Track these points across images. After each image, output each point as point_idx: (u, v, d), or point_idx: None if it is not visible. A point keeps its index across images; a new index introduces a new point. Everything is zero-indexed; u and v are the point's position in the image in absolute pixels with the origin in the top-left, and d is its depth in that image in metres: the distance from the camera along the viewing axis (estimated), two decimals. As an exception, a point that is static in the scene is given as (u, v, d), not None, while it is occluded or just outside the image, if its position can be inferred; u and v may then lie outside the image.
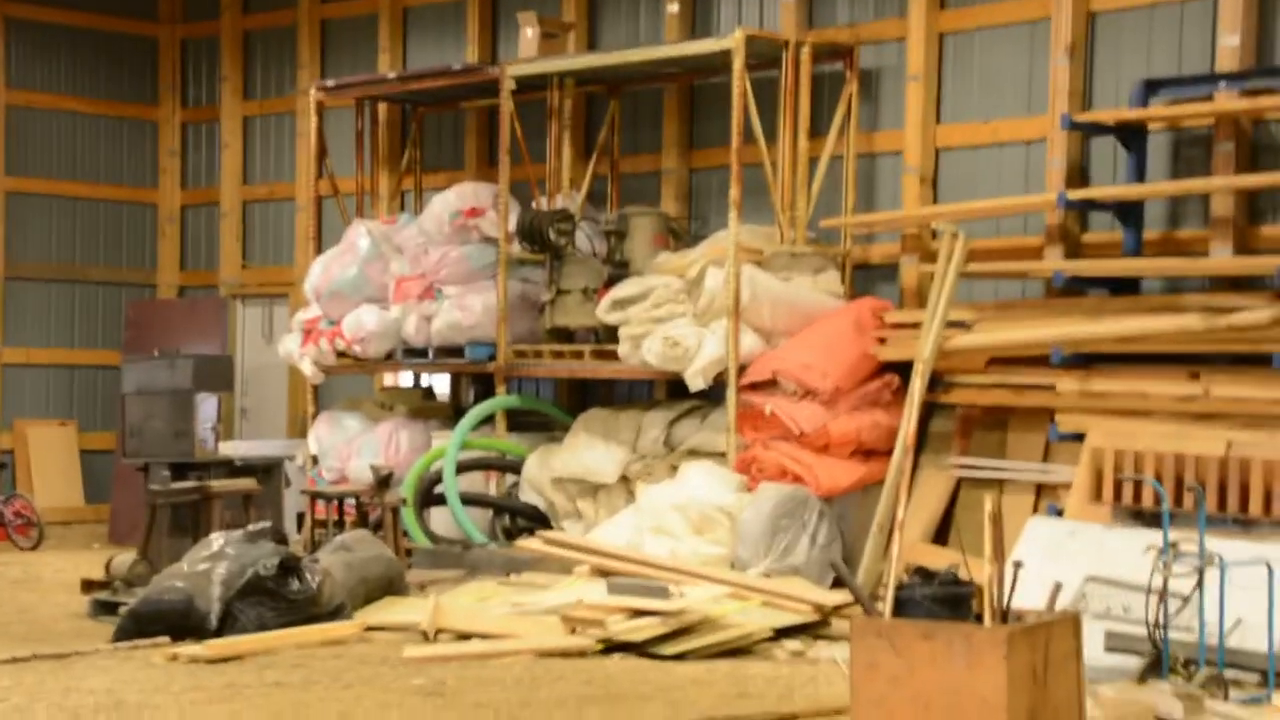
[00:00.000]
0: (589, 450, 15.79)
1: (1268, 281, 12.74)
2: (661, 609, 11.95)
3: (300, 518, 15.73)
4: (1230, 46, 13.85)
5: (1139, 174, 14.13)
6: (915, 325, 14.05)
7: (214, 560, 12.19)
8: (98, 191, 22.62)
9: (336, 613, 12.51)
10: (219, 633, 11.59)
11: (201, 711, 9.51)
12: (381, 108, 20.19)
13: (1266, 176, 13.43)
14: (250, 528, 12.90)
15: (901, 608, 7.49)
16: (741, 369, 14.45)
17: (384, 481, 15.50)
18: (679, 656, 11.37)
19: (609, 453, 15.63)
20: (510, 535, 15.85)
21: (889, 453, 13.76)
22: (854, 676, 7.33)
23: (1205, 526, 9.96)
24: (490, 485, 16.89)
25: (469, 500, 16.31)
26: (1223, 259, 13.44)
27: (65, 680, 10.29)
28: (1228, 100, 13.61)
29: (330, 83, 20.00)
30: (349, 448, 17.40)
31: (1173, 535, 9.72)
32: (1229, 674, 9.51)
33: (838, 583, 12.68)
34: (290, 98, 21.51)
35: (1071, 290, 14.30)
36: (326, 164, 19.88)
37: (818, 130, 15.86)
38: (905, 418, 13.63)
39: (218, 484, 14.43)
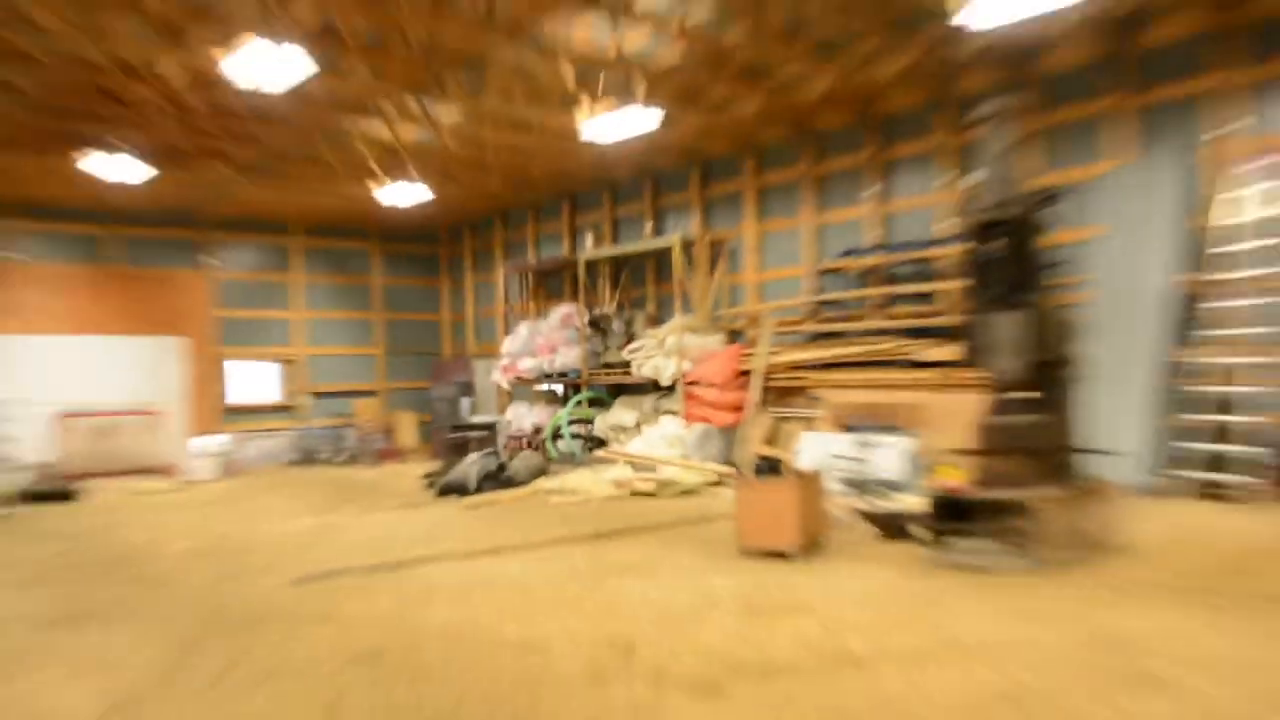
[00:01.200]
0: (622, 413, 18.47)
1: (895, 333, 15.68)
2: (655, 477, 15.00)
3: (505, 447, 17.96)
4: (874, 237, 16.66)
5: (840, 288, 16.99)
6: (754, 354, 16.69)
7: (471, 465, 15.51)
8: (421, 316, 27.25)
9: (522, 483, 15.58)
10: (476, 493, 14.87)
11: (471, 522, 12.60)
12: (530, 275, 23.17)
13: (889, 290, 16.26)
14: (485, 451, 16.21)
15: (756, 472, 10.91)
16: (684, 377, 17.29)
17: (537, 431, 18.92)
18: (664, 497, 14.49)
19: (630, 414, 18.30)
20: (590, 449, 18.07)
21: (745, 407, 16.51)
22: (737, 499, 9.88)
23: (872, 430, 13.77)
24: (582, 429, 19.16)
25: (573, 435, 18.84)
26: (872, 324, 16.25)
27: (419, 514, 13.55)
28: (874, 258, 16.56)
29: (509, 265, 23.41)
30: (523, 415, 20.37)
31: (859, 436, 13.58)
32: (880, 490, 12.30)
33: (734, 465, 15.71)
34: (492, 272, 24.70)
35: (816, 339, 17.05)
36: (509, 299, 23.36)
37: (712, 273, 18.70)
38: (752, 393, 16.40)
39: (471, 433, 17.25)
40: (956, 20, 11.63)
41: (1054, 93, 14.79)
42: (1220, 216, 12.76)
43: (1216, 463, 12.20)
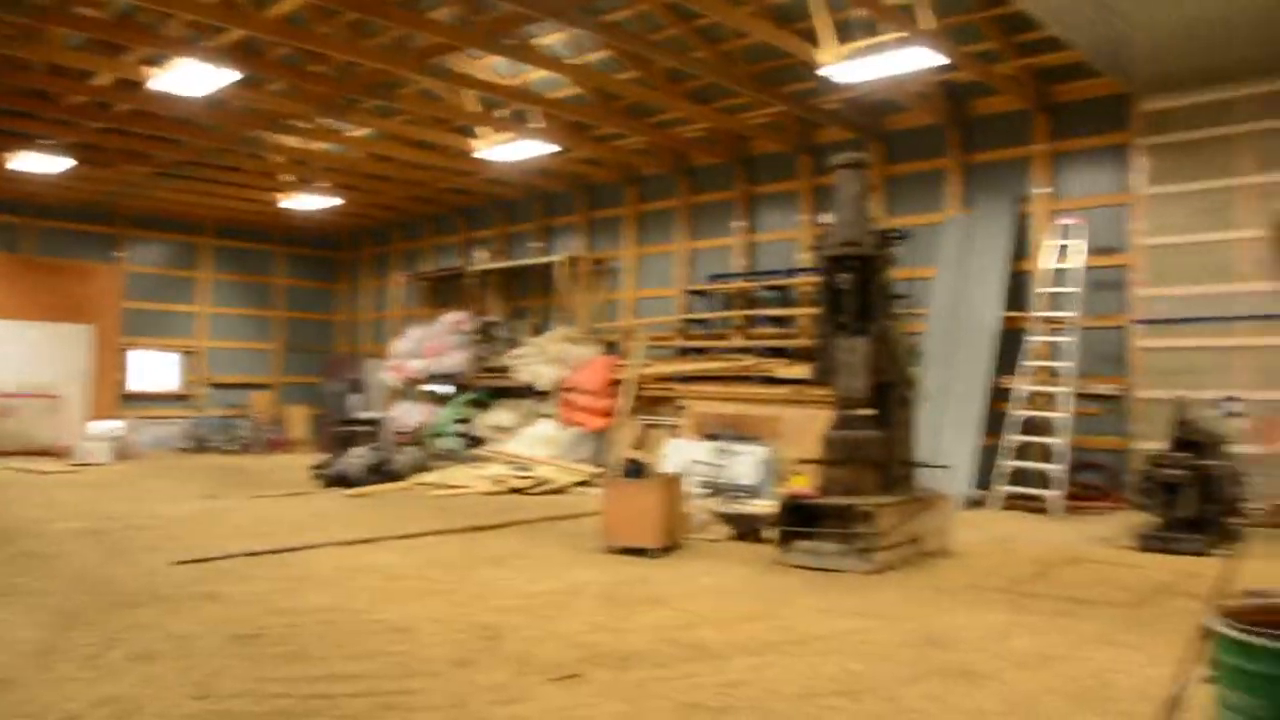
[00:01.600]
0: (502, 414, 18.10)
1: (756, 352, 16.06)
2: (529, 475, 14.80)
3: (391, 442, 16.42)
4: (740, 264, 16.85)
5: (708, 308, 17.25)
6: (627, 365, 16.65)
7: (357, 458, 14.99)
8: (318, 316, 26.44)
9: (404, 477, 15.07)
10: (360, 485, 14.37)
11: (354, 511, 12.12)
12: (425, 283, 22.70)
13: (751, 312, 16.64)
14: (371, 445, 15.53)
15: (623, 474, 10.93)
16: (561, 383, 17.09)
17: (421, 428, 18.43)
18: (537, 494, 14.16)
19: (509, 415, 17.94)
20: (470, 447, 17.73)
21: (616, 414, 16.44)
22: (604, 498, 9.66)
23: (731, 439, 13.54)
24: (463, 427, 18.49)
25: (454, 433, 18.32)
26: (734, 342, 16.52)
27: (304, 502, 13.26)
28: (739, 283, 16.74)
29: (406, 273, 23.12)
30: (408, 412, 19.62)
31: (719, 444, 13.29)
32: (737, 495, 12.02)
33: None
34: (388, 278, 24.37)
35: (684, 353, 17.19)
36: (403, 304, 23.03)
37: (593, 290, 18.84)
38: (623, 401, 16.36)
39: (358, 428, 16.14)
40: (821, 72, 11.86)
41: (900, 148, 15.32)
42: (1038, 264, 13.38)
43: (1030, 479, 12.60)
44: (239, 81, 13.26)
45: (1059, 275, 13.11)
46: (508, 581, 8.02)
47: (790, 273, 16.24)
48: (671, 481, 9.81)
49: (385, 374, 21.05)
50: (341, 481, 14.72)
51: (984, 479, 12.72)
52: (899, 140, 15.31)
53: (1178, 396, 10.57)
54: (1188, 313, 12.28)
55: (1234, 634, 3.38)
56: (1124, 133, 13.08)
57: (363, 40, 13.35)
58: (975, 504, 12.50)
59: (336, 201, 20.11)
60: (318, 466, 15.64)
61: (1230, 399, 11.43)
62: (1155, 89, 12.48)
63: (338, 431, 16.55)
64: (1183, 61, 11.59)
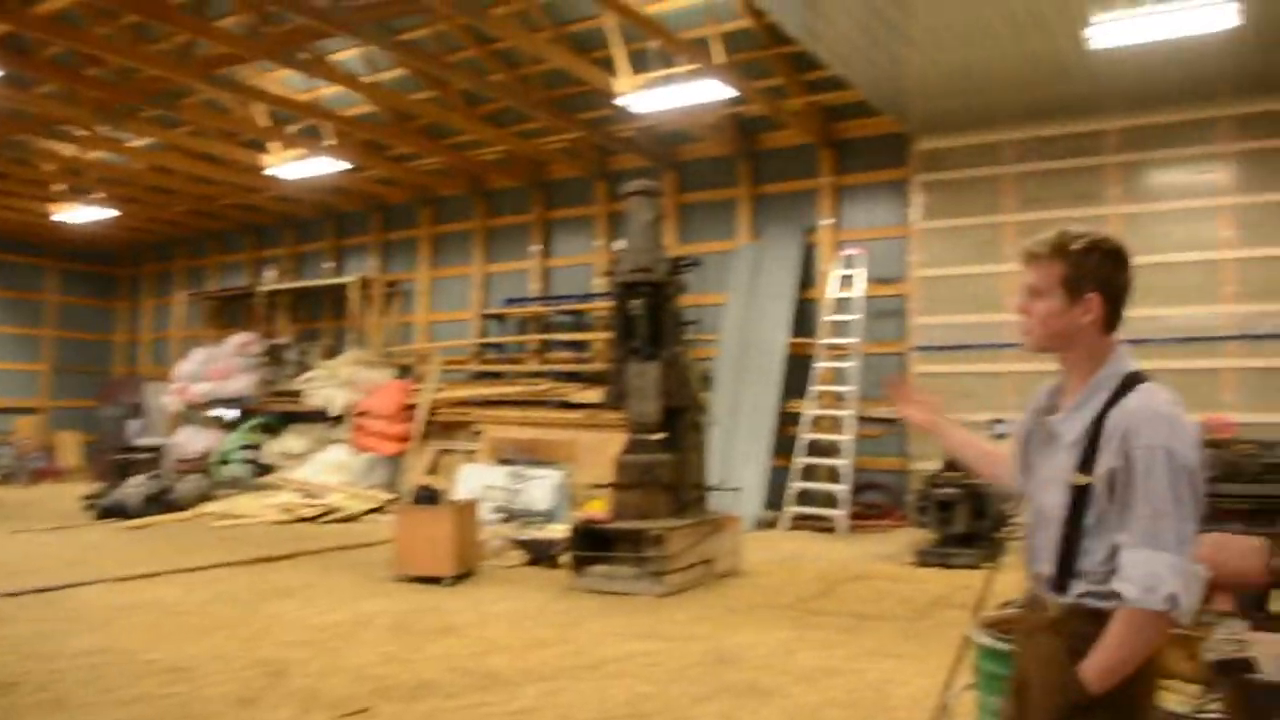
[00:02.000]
0: (292, 440, 17.54)
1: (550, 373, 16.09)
2: (320, 503, 14.36)
3: (172, 470, 16.14)
4: (536, 288, 16.96)
5: (503, 332, 17.24)
6: (422, 389, 16.51)
7: (135, 487, 14.24)
8: (95, 336, 24.70)
9: (187, 507, 14.46)
10: (139, 516, 13.63)
11: (131, 545, 11.48)
12: (211, 302, 21.75)
13: (546, 336, 16.63)
14: (150, 473, 14.75)
15: (416, 501, 10.74)
16: (354, 408, 16.66)
17: (206, 454, 17.63)
18: (327, 522, 13.78)
19: (300, 441, 17.40)
20: (259, 475, 17.06)
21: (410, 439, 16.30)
22: (396, 526, 9.51)
23: (526, 463, 13.49)
24: (251, 454, 17.70)
25: (242, 460, 17.60)
26: (530, 367, 16.58)
27: (76, 536, 12.36)
28: (534, 308, 16.90)
29: (190, 291, 22.11)
30: (192, 438, 18.68)
31: (514, 469, 13.15)
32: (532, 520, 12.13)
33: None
34: (172, 296, 22.99)
35: (479, 378, 17.01)
36: (187, 323, 21.91)
37: (387, 313, 18.53)
38: (417, 425, 16.22)
39: (137, 455, 15.41)
40: (617, 101, 12.05)
41: (693, 177, 15.75)
42: (824, 292, 13.95)
43: (818, 499, 13.04)
44: (2, 80, 12.51)
45: (843, 303, 13.67)
46: (296, 614, 7.76)
47: (586, 297, 16.39)
48: (465, 508, 9.70)
49: (167, 398, 20.07)
50: (118, 513, 13.96)
51: (774, 500, 13.08)
52: (692, 169, 15.71)
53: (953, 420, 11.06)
54: (960, 340, 13.03)
55: (989, 642, 3.64)
56: (903, 169, 13.81)
57: (144, 45, 12.70)
58: (766, 525, 12.83)
59: (113, 214, 19.02)
60: (91, 497, 14.83)
61: (997, 421, 12.09)
62: (930, 129, 13.24)
63: (115, 459, 15.73)
64: (953, 104, 12.34)
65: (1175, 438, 2.25)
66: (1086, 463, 2.34)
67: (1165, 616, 2.21)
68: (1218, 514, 10.55)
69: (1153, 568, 2.20)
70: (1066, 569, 2.37)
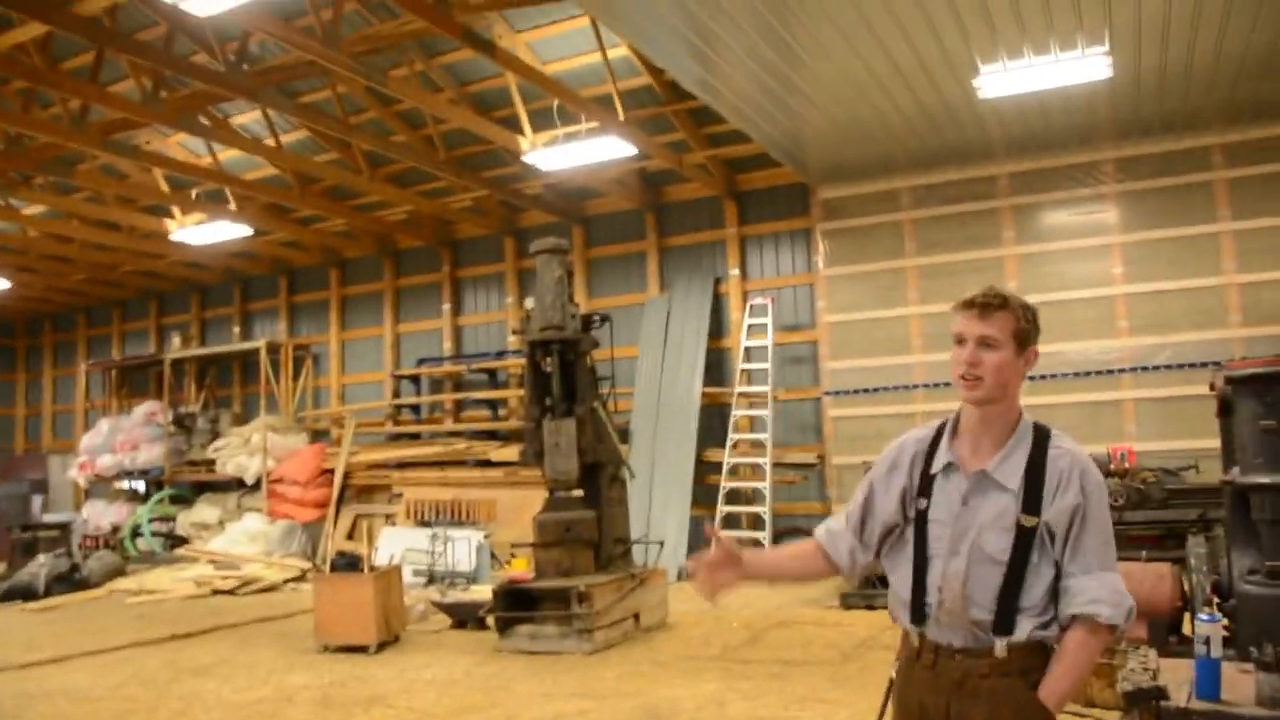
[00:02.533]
0: (205, 509, 17.17)
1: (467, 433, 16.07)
2: (237, 574, 14.03)
3: (80, 546, 15.94)
4: (445, 348, 16.85)
5: (417, 393, 17.02)
6: (337, 454, 16.27)
7: (40, 566, 13.79)
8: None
9: (97, 584, 14.15)
10: (45, 596, 13.30)
11: (37, 628, 11.12)
12: (114, 372, 20.96)
13: (461, 395, 16.58)
14: (56, 551, 14.28)
15: (335, 568, 10.62)
16: (268, 475, 16.46)
17: (115, 529, 17.31)
18: (245, 594, 13.45)
19: (213, 511, 17.06)
20: (172, 547, 16.77)
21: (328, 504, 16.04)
22: (315, 595, 9.38)
23: (445, 524, 13.66)
24: (164, 526, 17.47)
25: (153, 533, 17.27)
26: (446, 426, 16.56)
27: None
28: (447, 366, 16.59)
29: (91, 362, 21.46)
30: (101, 513, 18.34)
31: (435, 530, 12.97)
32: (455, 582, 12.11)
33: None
34: (74, 367, 22.31)
35: (395, 439, 16.93)
36: (90, 395, 21.43)
37: (297, 377, 18.15)
38: (334, 490, 15.96)
39: (41, 533, 14.86)
40: (524, 160, 12.16)
41: (601, 231, 15.89)
42: (736, 340, 14.13)
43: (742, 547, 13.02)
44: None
45: (754, 351, 13.85)
46: (214, 692, 7.62)
47: (499, 355, 16.35)
48: (387, 573, 9.59)
49: (72, 472, 19.47)
50: (23, 594, 13.52)
51: (697, 550, 12.99)
52: (599, 224, 15.85)
53: (865, 462, 11.23)
54: (871, 383, 13.30)
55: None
56: (806, 218, 14.14)
57: (36, 110, 12.40)
58: (690, 575, 12.71)
59: (4, 285, 18.50)
60: (-15, 580, 14.21)
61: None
62: (830, 178, 13.58)
63: (18, 538, 15.12)
64: (850, 154, 12.69)
65: (1099, 475, 2.50)
66: (1032, 505, 2.48)
67: (1114, 630, 2.44)
68: (1127, 540, 10.97)
69: (1115, 587, 2.44)
70: (1011, 608, 2.48)
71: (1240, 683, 3.60)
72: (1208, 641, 3.57)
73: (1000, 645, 2.49)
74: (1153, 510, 11.05)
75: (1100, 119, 11.79)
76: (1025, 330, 2.56)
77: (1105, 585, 2.44)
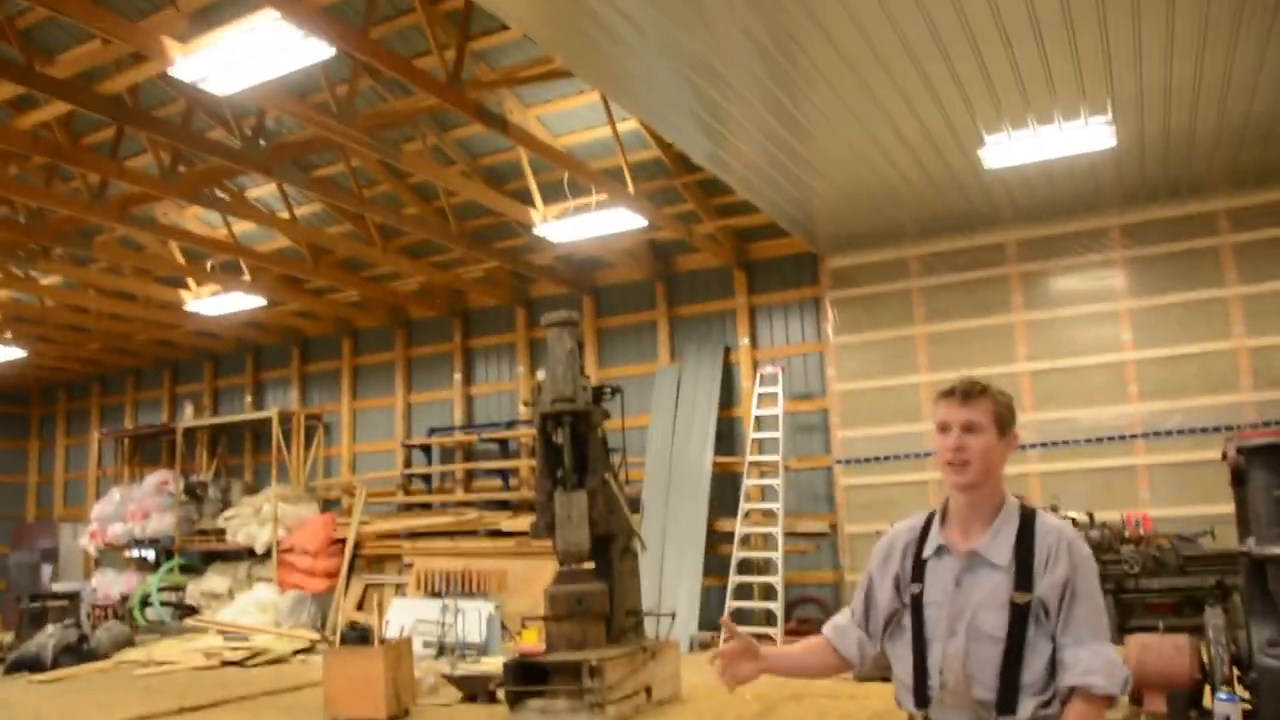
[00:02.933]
0: (215, 579, 16.98)
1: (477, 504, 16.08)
2: (246, 645, 13.87)
3: (89, 616, 15.89)
4: (456, 418, 16.91)
5: (429, 462, 17.03)
6: (347, 523, 16.29)
7: (48, 636, 13.63)
8: (6, 478, 23.59)
9: (106, 655, 13.91)
10: (53, 668, 13.10)
11: (43, 700, 10.97)
12: (127, 440, 20.97)
13: (472, 465, 16.58)
14: (64, 621, 14.33)
15: (345, 640, 10.52)
16: (278, 544, 16.31)
17: (124, 599, 17.16)
18: (254, 665, 13.20)
19: (223, 580, 16.88)
20: (181, 617, 16.61)
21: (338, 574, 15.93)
22: (325, 667, 9.30)
23: (456, 595, 13.53)
24: (173, 596, 17.31)
25: (163, 603, 17.12)
26: (457, 496, 16.51)
27: None
28: (458, 436, 16.71)
29: (104, 430, 21.53)
30: (110, 582, 18.28)
31: (445, 601, 12.97)
32: (466, 654, 12.19)
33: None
34: (86, 435, 22.39)
35: (406, 509, 16.88)
36: (102, 463, 21.59)
37: (309, 446, 18.28)
38: (345, 560, 15.91)
39: (51, 602, 15.17)
40: (535, 231, 12.26)
41: (611, 301, 16.00)
42: (747, 410, 14.13)
43: (753, 617, 13.07)
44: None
45: (765, 420, 13.83)
46: (223, 770, 7.50)
47: (510, 424, 16.34)
48: (397, 645, 9.51)
49: (83, 540, 19.43)
50: (30, 665, 13.32)
51: (709, 621, 13.02)
52: (609, 294, 15.95)
53: (878, 530, 11.10)
54: (882, 451, 13.25)
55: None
56: (815, 287, 14.23)
57: (56, 184, 12.55)
58: (702, 646, 12.71)
59: (22, 354, 18.64)
60: (1, 648, 14.30)
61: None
62: (838, 248, 13.66)
63: (26, 608, 15.23)
64: (858, 224, 12.77)
65: (1086, 549, 2.60)
66: (1025, 581, 2.55)
67: (1112, 700, 2.53)
68: (1145, 609, 10.87)
69: (1108, 657, 2.51)
70: (1012, 686, 2.53)
71: (1260, 763, 3.54)
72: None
73: None
74: (1169, 577, 11.02)
75: (1106, 186, 11.88)
76: (1005, 414, 2.69)
77: (1098, 656, 2.50)
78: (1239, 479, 5.98)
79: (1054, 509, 5.39)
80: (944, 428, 2.70)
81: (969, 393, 2.68)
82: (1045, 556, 2.57)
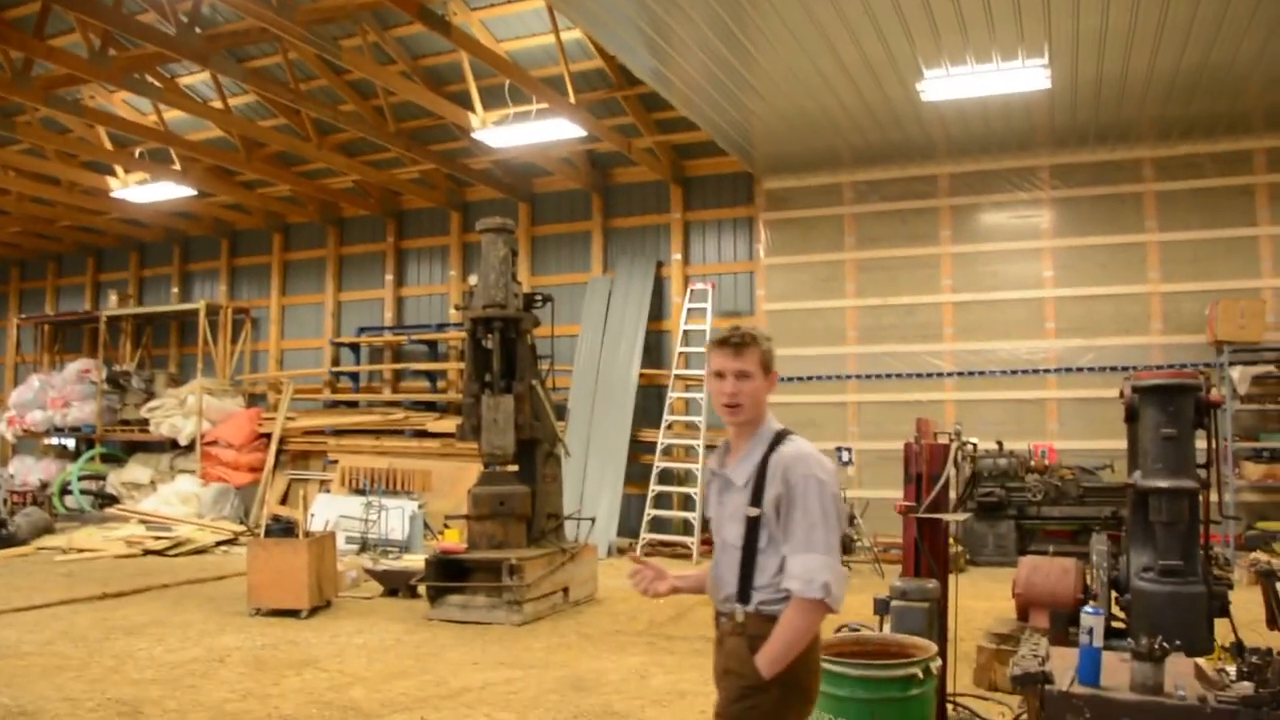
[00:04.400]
0: (138, 470, 17.13)
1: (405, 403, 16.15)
2: (169, 535, 13.99)
3: (6, 502, 15.72)
4: (387, 318, 16.82)
5: (357, 361, 17.05)
6: (273, 418, 16.43)
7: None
8: None
9: (25, 541, 14.05)
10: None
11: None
12: (47, 327, 20.58)
13: (401, 366, 16.45)
14: (-17, 506, 14.02)
15: (269, 533, 10.56)
16: (203, 437, 16.54)
17: (44, 486, 17.17)
18: (177, 555, 13.44)
19: (146, 471, 17.01)
20: (102, 506, 16.60)
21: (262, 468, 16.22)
22: (249, 558, 9.41)
23: (380, 493, 13.52)
24: (94, 485, 17.30)
25: (83, 491, 17.06)
26: (385, 396, 16.44)
27: None
28: (388, 336, 16.66)
29: (23, 316, 21.03)
30: (29, 469, 18.24)
31: (369, 498, 13.03)
32: (389, 550, 12.28)
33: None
34: (7, 321, 21.75)
35: (333, 406, 16.98)
36: (20, 349, 21.08)
37: (236, 340, 18.11)
38: (270, 454, 16.09)
39: None
40: (473, 135, 12.25)
41: (547, 210, 16.03)
42: (676, 324, 14.38)
43: (671, 526, 13.53)
44: None
45: (693, 335, 14.07)
46: (146, 652, 7.70)
47: (440, 327, 16.42)
48: (320, 539, 9.68)
49: (1, 427, 19.18)
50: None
51: (628, 528, 13.45)
52: (545, 202, 15.99)
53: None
54: (806, 371, 13.67)
55: (827, 665, 3.97)
56: (750, 207, 14.41)
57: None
58: (621, 551, 13.17)
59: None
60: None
61: (843, 449, 12.73)
62: (775, 170, 13.87)
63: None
64: (796, 148, 12.98)
65: (820, 470, 2.97)
66: (756, 498, 3.00)
67: (822, 604, 2.90)
68: (1044, 535, 11.49)
69: (809, 565, 2.89)
70: (747, 584, 3.01)
71: (1120, 670, 3.91)
72: (1090, 632, 3.88)
73: (739, 612, 3.01)
74: (1069, 506, 11.69)
75: (1038, 126, 12.20)
76: (768, 359, 3.09)
77: (804, 564, 2.89)
78: (1131, 416, 6.38)
79: (956, 435, 5.72)
80: (720, 374, 3.06)
81: (741, 344, 3.05)
82: (769, 477, 2.97)
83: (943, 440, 5.60)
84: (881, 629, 5.06)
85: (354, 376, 17.33)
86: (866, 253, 13.64)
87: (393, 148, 14.12)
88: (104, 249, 21.01)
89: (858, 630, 4.90)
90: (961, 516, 5.82)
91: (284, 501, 15.89)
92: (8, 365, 21.86)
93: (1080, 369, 12.79)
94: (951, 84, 10.35)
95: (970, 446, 8.41)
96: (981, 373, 13.06)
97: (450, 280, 16.67)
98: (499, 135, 12.28)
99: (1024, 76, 10.10)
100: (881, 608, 5.09)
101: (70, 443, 18.89)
